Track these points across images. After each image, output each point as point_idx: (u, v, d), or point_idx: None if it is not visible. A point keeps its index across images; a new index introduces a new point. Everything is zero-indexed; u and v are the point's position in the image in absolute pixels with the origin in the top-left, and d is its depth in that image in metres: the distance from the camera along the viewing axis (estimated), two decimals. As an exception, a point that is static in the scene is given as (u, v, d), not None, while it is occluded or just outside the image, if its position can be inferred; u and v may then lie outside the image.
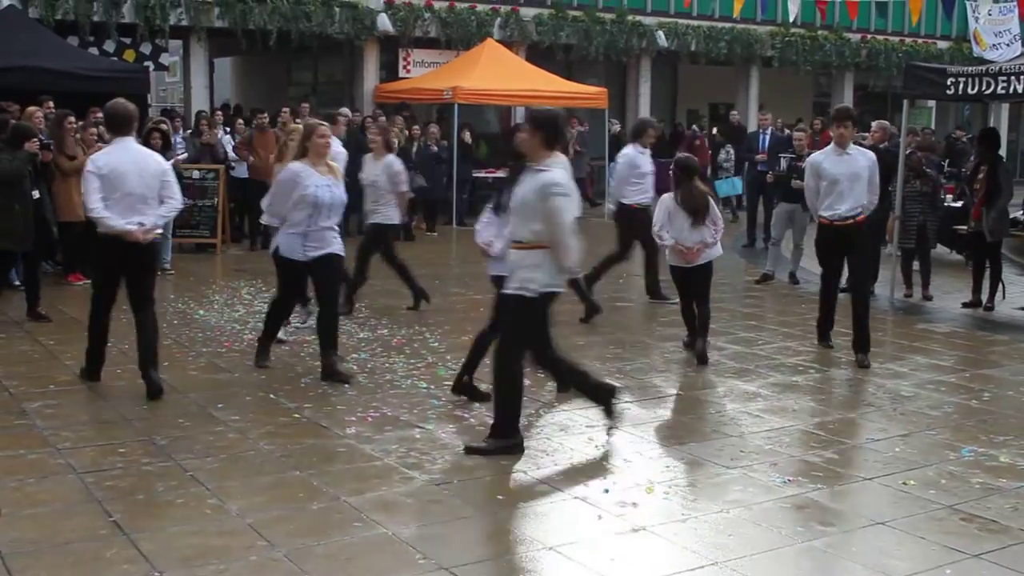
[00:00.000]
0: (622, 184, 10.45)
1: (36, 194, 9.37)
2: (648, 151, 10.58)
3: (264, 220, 7.38)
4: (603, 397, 6.28)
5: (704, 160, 18.10)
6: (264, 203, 7.63)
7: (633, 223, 10.33)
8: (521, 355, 5.86)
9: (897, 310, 10.59)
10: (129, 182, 6.62)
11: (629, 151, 10.54)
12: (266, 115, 15.08)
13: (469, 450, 5.77)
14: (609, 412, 6.27)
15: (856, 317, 8.07)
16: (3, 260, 9.13)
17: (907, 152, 11.34)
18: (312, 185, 7.17)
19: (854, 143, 8.36)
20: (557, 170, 5.64)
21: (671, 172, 8.39)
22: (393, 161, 9.64)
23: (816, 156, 8.43)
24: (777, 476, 5.47)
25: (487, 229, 6.77)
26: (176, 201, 7.00)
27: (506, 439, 5.78)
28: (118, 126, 6.82)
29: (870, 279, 7.87)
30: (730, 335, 9.12)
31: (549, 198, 5.54)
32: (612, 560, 4.42)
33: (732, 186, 18.84)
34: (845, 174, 8.00)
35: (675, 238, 8.08)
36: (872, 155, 8.29)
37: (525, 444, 5.89)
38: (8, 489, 5.08)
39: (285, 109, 15.65)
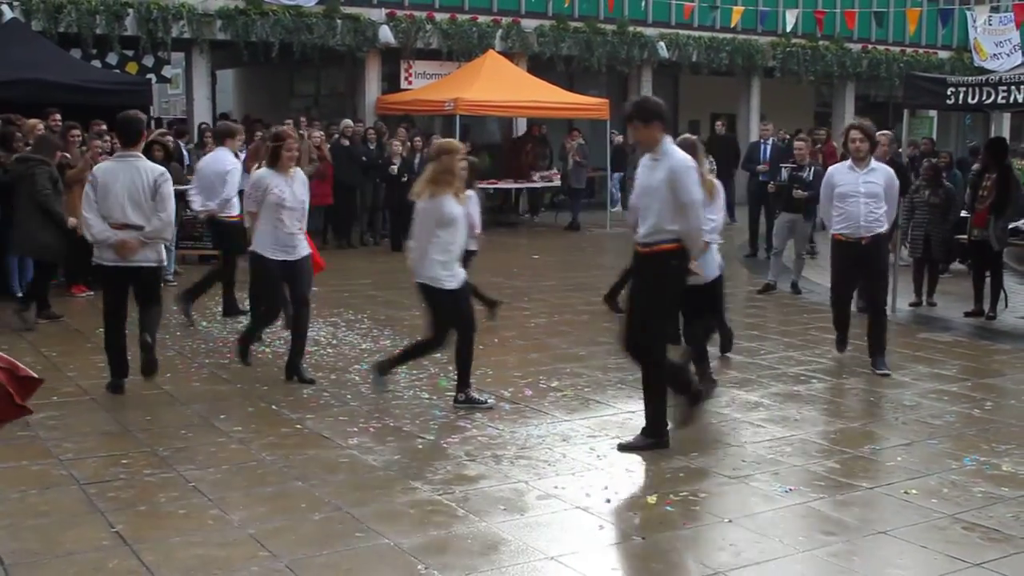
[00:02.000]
0: (825, 203, 8.46)
1: None
2: (852, 163, 8.17)
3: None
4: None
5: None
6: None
7: (836, 255, 8.42)
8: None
9: (900, 320, 10.58)
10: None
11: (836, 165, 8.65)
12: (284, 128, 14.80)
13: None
14: None
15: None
16: (42, 271, 9.62)
17: (932, 160, 11.43)
18: None
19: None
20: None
21: None
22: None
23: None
24: (779, 486, 5.47)
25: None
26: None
27: None
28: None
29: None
30: (733, 345, 9.10)
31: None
32: (613, 570, 4.42)
33: None
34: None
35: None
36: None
37: (528, 454, 5.92)
38: (11, 500, 5.09)
39: (288, 121, 15.66)
